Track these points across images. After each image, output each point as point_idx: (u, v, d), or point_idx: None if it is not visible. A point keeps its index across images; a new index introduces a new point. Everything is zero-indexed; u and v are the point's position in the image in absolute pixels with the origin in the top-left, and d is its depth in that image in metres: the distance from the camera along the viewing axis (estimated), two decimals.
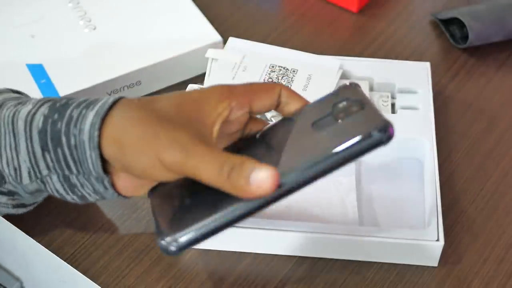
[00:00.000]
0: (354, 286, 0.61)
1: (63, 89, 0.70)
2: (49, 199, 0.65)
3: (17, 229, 0.60)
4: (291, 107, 0.53)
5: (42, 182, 0.55)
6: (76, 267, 0.57)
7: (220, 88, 0.52)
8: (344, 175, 0.66)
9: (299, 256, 0.62)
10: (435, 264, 0.62)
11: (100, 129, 0.50)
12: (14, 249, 0.62)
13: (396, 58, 0.77)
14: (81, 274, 0.56)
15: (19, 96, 0.57)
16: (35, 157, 0.53)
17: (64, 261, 0.58)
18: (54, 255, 0.58)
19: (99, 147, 0.51)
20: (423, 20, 0.84)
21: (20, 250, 0.62)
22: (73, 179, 0.54)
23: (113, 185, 0.54)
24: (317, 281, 0.61)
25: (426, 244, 0.60)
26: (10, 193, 0.57)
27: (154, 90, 0.75)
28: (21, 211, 0.59)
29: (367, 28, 0.83)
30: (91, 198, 0.56)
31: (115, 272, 0.61)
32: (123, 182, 0.54)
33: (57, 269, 0.59)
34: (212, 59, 0.72)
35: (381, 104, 0.71)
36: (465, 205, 0.66)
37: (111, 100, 0.51)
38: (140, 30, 0.77)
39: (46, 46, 0.75)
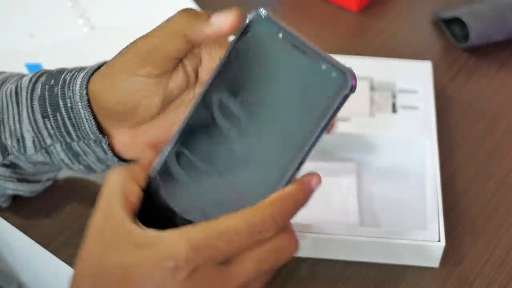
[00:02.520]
0: (355, 287, 0.60)
1: None
2: (48, 199, 0.65)
3: (16, 229, 0.59)
4: None
5: (47, 152, 0.56)
6: (75, 268, 0.56)
7: None
8: (345, 176, 0.65)
9: (300, 257, 0.62)
10: (436, 265, 0.61)
11: (87, 87, 0.52)
12: (12, 249, 0.62)
13: (397, 57, 0.76)
14: None
15: (21, 74, 0.59)
16: (37, 126, 0.54)
17: (63, 261, 0.57)
18: (53, 255, 0.57)
19: (90, 106, 0.53)
20: (424, 20, 0.84)
21: (18, 250, 0.62)
22: (75, 146, 0.55)
23: (112, 149, 0.55)
24: (317, 282, 0.61)
25: (427, 244, 0.60)
26: (12, 165, 0.58)
27: None
28: (26, 187, 0.60)
29: (367, 27, 0.83)
30: (97, 168, 0.57)
31: None
32: (122, 141, 0.55)
33: (55, 270, 0.59)
34: None
35: (382, 103, 0.71)
36: (467, 206, 0.66)
37: (101, 61, 0.54)
38: (140, 29, 0.76)
39: (45, 45, 0.75)
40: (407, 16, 0.85)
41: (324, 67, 0.43)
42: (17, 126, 0.55)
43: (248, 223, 0.43)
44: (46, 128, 0.54)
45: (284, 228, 0.45)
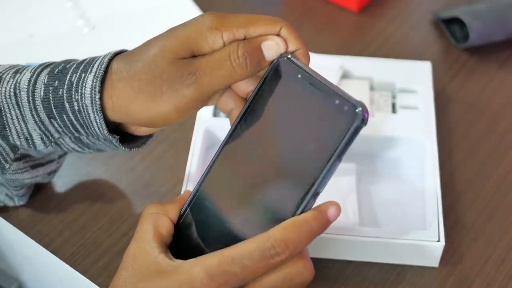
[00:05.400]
0: (355, 286, 0.61)
1: None
2: (48, 199, 0.65)
3: (16, 229, 0.59)
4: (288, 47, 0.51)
5: (57, 144, 0.56)
6: (75, 268, 0.57)
7: (209, 20, 0.50)
8: (344, 176, 0.66)
9: None
10: (436, 264, 0.62)
11: (101, 91, 0.51)
12: (13, 249, 0.62)
13: (397, 57, 0.77)
14: (80, 274, 0.56)
15: (13, 65, 0.57)
16: (43, 124, 0.54)
17: (63, 261, 0.57)
18: (53, 255, 0.57)
19: (103, 109, 0.52)
20: (423, 20, 0.84)
21: (19, 250, 0.62)
22: (84, 139, 0.55)
23: (127, 132, 0.55)
24: (317, 281, 0.61)
25: (427, 244, 0.60)
26: (23, 156, 0.58)
27: None
28: (41, 171, 0.60)
29: (367, 27, 0.83)
30: (108, 149, 0.57)
31: (114, 273, 0.61)
32: (136, 128, 0.55)
33: (56, 270, 0.59)
34: None
35: (382, 103, 0.71)
36: (466, 206, 0.66)
37: (107, 59, 0.52)
38: (140, 30, 0.77)
39: (45, 46, 0.75)
40: (407, 16, 0.85)
41: (337, 102, 0.45)
42: (23, 126, 0.54)
43: (260, 247, 0.45)
44: (53, 126, 0.54)
45: (299, 255, 0.46)
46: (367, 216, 0.64)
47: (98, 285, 0.57)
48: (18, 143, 0.55)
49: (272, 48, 0.49)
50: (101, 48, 0.75)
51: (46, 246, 0.61)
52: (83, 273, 0.58)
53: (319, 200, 0.48)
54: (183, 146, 0.69)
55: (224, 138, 0.50)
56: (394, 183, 0.66)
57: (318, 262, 0.62)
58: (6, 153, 0.56)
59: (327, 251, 0.62)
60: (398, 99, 0.71)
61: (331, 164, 0.45)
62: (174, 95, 0.50)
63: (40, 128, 0.54)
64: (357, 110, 0.44)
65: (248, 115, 0.49)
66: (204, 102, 0.51)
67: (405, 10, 0.85)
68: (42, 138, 0.55)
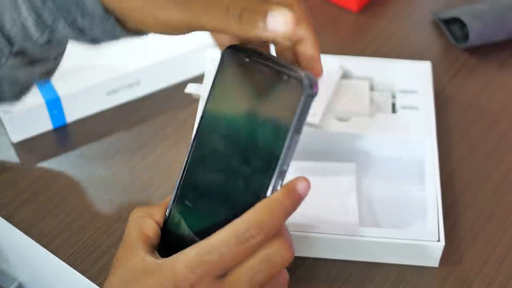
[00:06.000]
0: (355, 286, 0.61)
1: (62, 89, 0.70)
2: (49, 199, 0.65)
3: (16, 229, 0.60)
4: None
5: (51, 31, 0.53)
6: (75, 268, 0.57)
7: None
8: (344, 176, 0.66)
9: (299, 256, 0.62)
10: (436, 264, 0.62)
11: None
12: (13, 249, 0.62)
13: (397, 57, 0.76)
14: (80, 274, 0.56)
15: None
16: (37, 9, 0.52)
17: (63, 261, 0.58)
18: (53, 255, 0.57)
19: None
20: (423, 20, 0.84)
21: (19, 250, 0.62)
22: (79, 23, 0.53)
23: (124, 21, 0.52)
24: (317, 281, 0.61)
25: (427, 244, 0.60)
26: (19, 52, 0.56)
27: (153, 90, 0.75)
28: (37, 69, 0.58)
29: (367, 27, 0.83)
30: (104, 39, 0.54)
31: None
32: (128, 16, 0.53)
33: (56, 270, 0.59)
34: (212, 59, 0.72)
35: (382, 103, 0.71)
36: (466, 205, 0.66)
37: None
38: None
39: None
40: (407, 16, 0.85)
41: (285, 77, 0.47)
42: (15, 15, 0.52)
43: (235, 232, 0.46)
44: (48, 7, 0.51)
45: (276, 235, 0.47)
46: (367, 216, 0.64)
47: (98, 285, 0.57)
48: (14, 31, 0.53)
49: (278, 22, 0.48)
50: (101, 47, 0.75)
51: (46, 246, 0.61)
52: (83, 273, 0.59)
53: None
54: (183, 146, 0.69)
55: (192, 136, 0.51)
56: (394, 183, 0.66)
57: (317, 262, 0.62)
58: (1, 46, 0.54)
59: (327, 251, 0.62)
60: (398, 99, 0.71)
61: (289, 138, 0.46)
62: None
63: (34, 11, 0.52)
64: (303, 82, 0.46)
65: (207, 109, 0.50)
66: (182, 31, 0.50)
67: (405, 10, 0.85)
68: (37, 24, 0.52)
